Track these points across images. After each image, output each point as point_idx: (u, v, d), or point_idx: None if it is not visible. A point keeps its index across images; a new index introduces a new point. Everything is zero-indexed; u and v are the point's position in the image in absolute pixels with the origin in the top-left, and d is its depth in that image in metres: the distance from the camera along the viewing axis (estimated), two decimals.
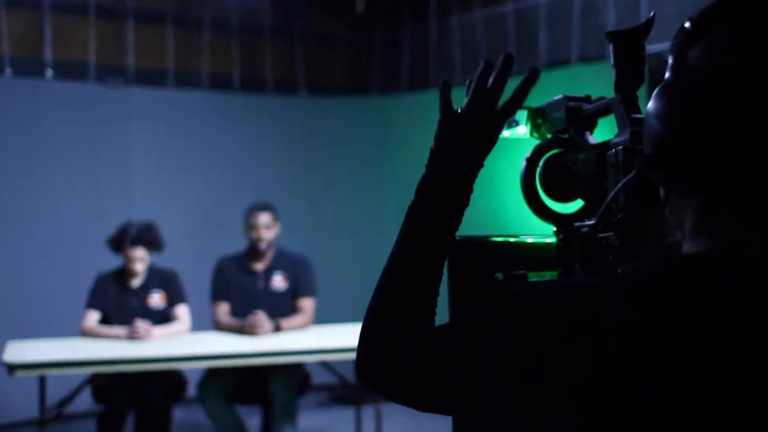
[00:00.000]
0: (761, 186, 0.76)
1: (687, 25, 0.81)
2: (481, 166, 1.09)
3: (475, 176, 1.09)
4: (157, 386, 4.23)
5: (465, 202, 1.08)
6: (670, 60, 0.81)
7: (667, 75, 0.81)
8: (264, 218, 4.53)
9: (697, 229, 0.81)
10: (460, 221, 1.09)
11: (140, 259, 4.41)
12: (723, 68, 0.76)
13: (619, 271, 0.82)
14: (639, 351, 0.75)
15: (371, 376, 1.02)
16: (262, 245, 4.53)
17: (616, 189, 0.97)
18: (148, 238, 4.43)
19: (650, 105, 0.82)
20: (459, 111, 1.09)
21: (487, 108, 1.08)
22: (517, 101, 1.09)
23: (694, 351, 0.73)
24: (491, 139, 1.09)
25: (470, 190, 1.08)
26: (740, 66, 0.76)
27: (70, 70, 5.94)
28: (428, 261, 1.06)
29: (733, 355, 0.73)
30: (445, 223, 1.07)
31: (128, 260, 4.41)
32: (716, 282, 0.75)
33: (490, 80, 1.08)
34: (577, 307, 0.80)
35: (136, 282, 4.46)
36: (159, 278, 4.50)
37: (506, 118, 1.10)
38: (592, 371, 0.76)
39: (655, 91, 0.82)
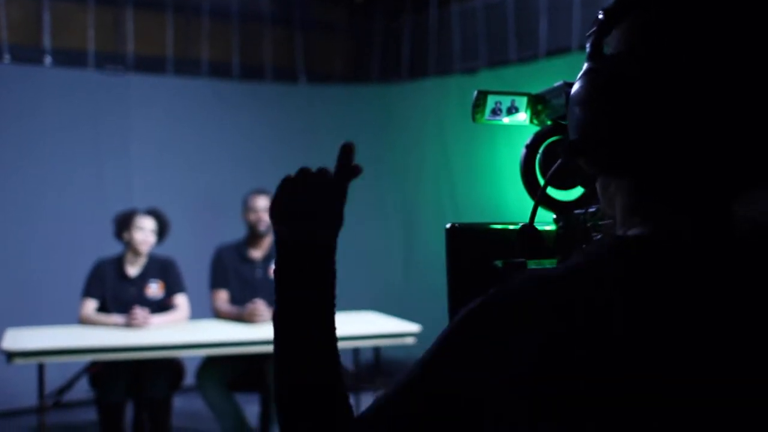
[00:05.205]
0: (681, 170, 0.79)
1: (600, 15, 0.83)
2: (334, 247, 1.06)
3: (333, 259, 1.04)
4: (155, 374, 4.23)
5: (328, 284, 1.03)
6: (588, 49, 0.84)
7: (585, 64, 0.84)
8: (263, 201, 4.54)
9: (630, 211, 0.83)
10: (333, 302, 1.02)
11: (149, 231, 4.42)
12: (635, 54, 0.79)
13: (575, 257, 0.82)
14: (609, 338, 0.75)
15: None
16: (262, 227, 4.53)
17: (548, 175, 0.98)
18: (158, 213, 4.52)
19: (572, 91, 0.85)
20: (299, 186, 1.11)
21: (323, 181, 1.13)
22: (350, 172, 1.16)
23: (653, 336, 0.74)
24: (338, 214, 1.10)
25: (332, 272, 1.04)
26: (652, 51, 0.78)
27: (69, 58, 5.92)
28: (309, 349, 0.98)
29: (678, 342, 0.74)
30: (313, 311, 1.00)
31: (135, 230, 4.40)
32: (668, 267, 0.77)
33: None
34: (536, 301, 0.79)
35: (134, 270, 4.46)
36: (158, 267, 4.50)
37: (344, 189, 1.14)
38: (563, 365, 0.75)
39: (577, 78, 0.84)
